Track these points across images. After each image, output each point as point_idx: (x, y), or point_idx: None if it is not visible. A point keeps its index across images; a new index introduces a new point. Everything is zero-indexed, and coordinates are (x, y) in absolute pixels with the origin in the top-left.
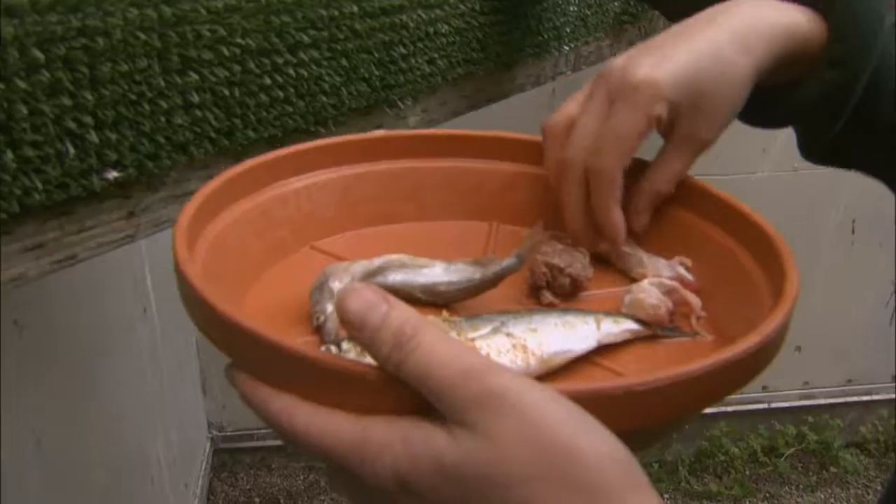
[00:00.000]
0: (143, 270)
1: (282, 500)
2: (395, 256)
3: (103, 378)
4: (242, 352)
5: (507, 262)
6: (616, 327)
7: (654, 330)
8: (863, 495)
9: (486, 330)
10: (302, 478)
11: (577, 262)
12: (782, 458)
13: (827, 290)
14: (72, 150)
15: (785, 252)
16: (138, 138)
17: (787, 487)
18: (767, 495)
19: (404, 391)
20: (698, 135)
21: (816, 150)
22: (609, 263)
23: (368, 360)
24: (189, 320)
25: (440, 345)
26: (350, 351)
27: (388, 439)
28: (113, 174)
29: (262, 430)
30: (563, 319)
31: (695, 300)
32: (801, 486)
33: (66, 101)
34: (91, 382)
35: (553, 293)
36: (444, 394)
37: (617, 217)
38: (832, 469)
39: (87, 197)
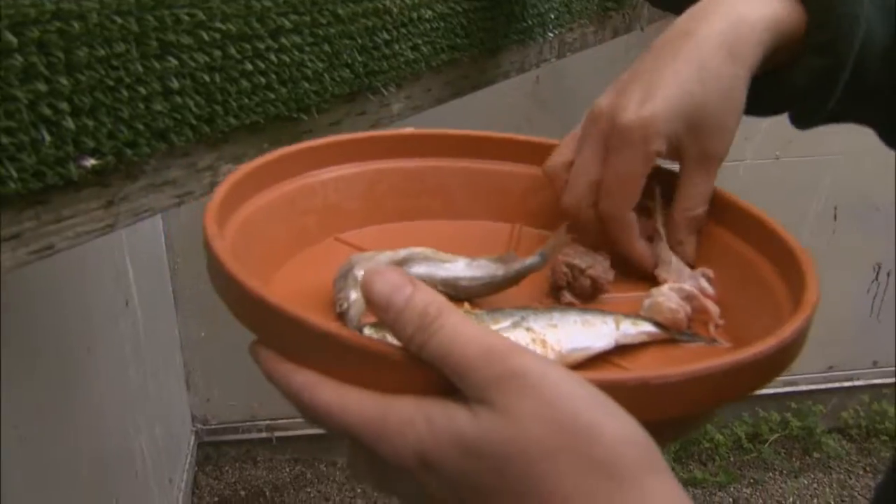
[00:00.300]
0: (125, 262)
1: (267, 493)
2: (419, 249)
3: (86, 372)
4: (268, 328)
5: (531, 260)
6: (634, 329)
7: (671, 334)
8: (845, 480)
9: (506, 323)
10: (288, 470)
11: (598, 265)
12: (766, 445)
13: None
14: (47, 138)
15: (806, 263)
16: (116, 125)
17: (770, 473)
18: (752, 481)
19: (427, 372)
20: (709, 152)
21: (808, 125)
22: (630, 267)
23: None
24: (170, 312)
25: (463, 326)
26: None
27: (410, 417)
28: (91, 162)
29: (247, 423)
30: (583, 318)
31: (713, 308)
32: (784, 472)
33: (41, 87)
34: (73, 377)
35: (573, 294)
36: (466, 373)
37: (642, 251)
38: (815, 454)
39: (65, 186)
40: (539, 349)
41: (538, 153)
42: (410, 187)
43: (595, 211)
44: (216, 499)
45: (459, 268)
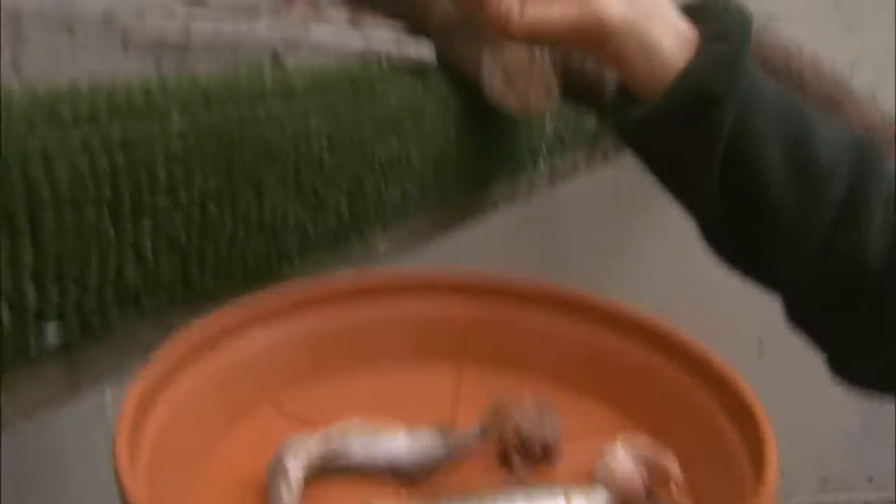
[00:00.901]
0: None
1: None
2: (354, 424)
3: None
4: None
5: (470, 435)
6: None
7: None
8: None
9: None
10: None
11: (547, 426)
12: None
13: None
14: (6, 317)
15: (764, 423)
16: (83, 294)
17: None
18: None
19: None
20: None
21: (713, 220)
22: (580, 419)
23: None
24: None
25: None
26: None
27: None
28: (53, 337)
29: None
30: (530, 499)
31: (673, 465)
32: None
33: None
34: None
35: (523, 460)
36: None
37: None
38: None
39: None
40: None
41: (476, 288)
42: (349, 338)
43: None
44: None
45: (399, 446)
